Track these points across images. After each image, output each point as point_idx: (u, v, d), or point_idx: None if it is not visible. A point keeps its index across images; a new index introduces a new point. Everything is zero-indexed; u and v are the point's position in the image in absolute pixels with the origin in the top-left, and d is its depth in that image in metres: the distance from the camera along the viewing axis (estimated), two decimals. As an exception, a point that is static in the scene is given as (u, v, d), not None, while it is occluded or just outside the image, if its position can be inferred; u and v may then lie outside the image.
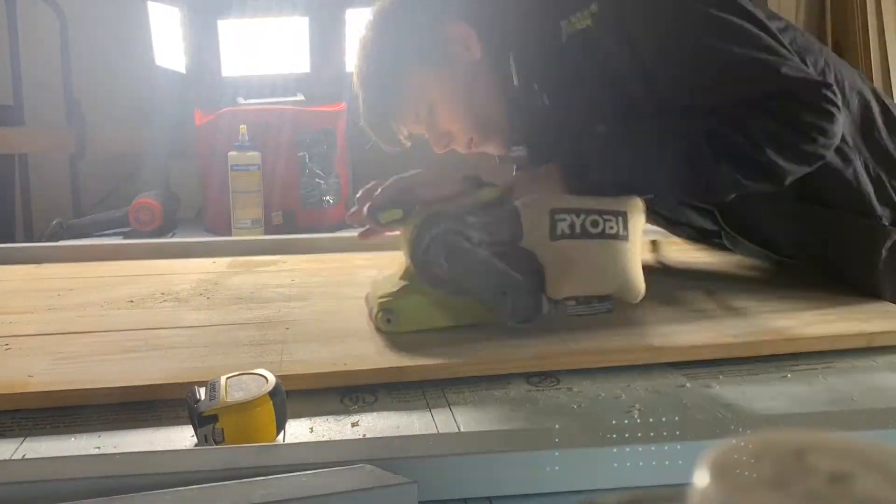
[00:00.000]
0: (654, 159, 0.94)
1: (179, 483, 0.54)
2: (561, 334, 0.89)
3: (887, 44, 2.48)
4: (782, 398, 0.78)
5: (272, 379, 0.68)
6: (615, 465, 0.59)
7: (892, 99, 2.38)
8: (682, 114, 0.96)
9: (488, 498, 0.59)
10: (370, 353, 0.85)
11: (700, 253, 1.31)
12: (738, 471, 0.25)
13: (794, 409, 0.76)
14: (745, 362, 0.87)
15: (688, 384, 0.82)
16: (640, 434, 0.61)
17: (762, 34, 0.96)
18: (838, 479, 0.24)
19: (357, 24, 1.97)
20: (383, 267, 1.24)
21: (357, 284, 1.14)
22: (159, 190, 2.30)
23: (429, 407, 0.77)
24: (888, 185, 1.05)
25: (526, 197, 0.90)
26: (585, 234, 0.87)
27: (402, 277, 0.94)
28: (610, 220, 0.88)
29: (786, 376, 0.84)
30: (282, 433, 0.69)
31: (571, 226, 0.87)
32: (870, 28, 2.48)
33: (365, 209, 0.96)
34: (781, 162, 0.92)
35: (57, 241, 1.99)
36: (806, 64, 0.99)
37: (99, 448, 0.68)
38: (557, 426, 0.71)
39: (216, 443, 0.64)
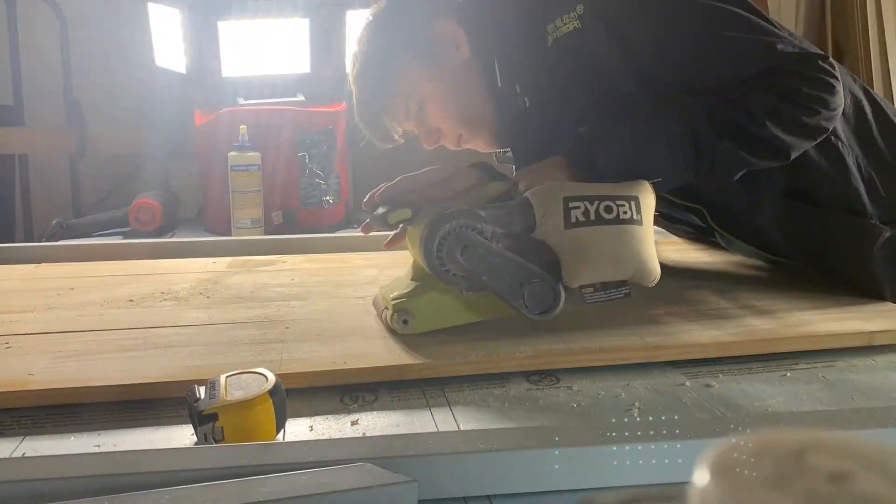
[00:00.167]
0: (659, 142, 0.94)
1: (179, 482, 0.54)
2: (561, 333, 0.89)
3: (887, 44, 2.48)
4: (782, 397, 0.78)
5: (272, 377, 0.68)
6: (615, 463, 0.59)
7: (891, 99, 2.39)
8: (683, 97, 0.96)
9: (488, 496, 0.59)
10: (370, 352, 0.85)
11: (699, 253, 1.32)
12: (737, 470, 0.25)
13: (794, 408, 0.76)
14: (745, 361, 0.87)
15: (687, 383, 0.82)
16: (639, 433, 0.61)
17: (752, 16, 0.97)
18: (838, 479, 0.24)
19: (357, 25, 1.97)
20: (383, 267, 1.24)
21: (357, 284, 1.14)
22: (159, 190, 2.30)
23: (428, 406, 0.77)
24: (879, 183, 1.05)
25: (536, 187, 0.90)
26: (600, 221, 0.87)
27: (412, 278, 0.94)
28: (623, 205, 0.88)
29: (785, 375, 0.84)
30: (282, 432, 0.68)
31: (586, 213, 0.87)
32: (870, 29, 2.49)
33: (372, 210, 0.97)
34: (784, 136, 0.93)
35: (57, 241, 1.99)
36: None
37: (99, 446, 0.68)
38: (557, 425, 0.71)
39: (216, 441, 0.64)
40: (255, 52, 2.06)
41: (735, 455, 0.26)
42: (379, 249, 1.24)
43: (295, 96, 2.10)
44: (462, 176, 0.96)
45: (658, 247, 1.36)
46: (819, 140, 0.97)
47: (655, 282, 0.90)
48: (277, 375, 0.69)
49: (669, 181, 0.96)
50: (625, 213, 0.87)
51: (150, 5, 2.22)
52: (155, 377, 0.78)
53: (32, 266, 1.27)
